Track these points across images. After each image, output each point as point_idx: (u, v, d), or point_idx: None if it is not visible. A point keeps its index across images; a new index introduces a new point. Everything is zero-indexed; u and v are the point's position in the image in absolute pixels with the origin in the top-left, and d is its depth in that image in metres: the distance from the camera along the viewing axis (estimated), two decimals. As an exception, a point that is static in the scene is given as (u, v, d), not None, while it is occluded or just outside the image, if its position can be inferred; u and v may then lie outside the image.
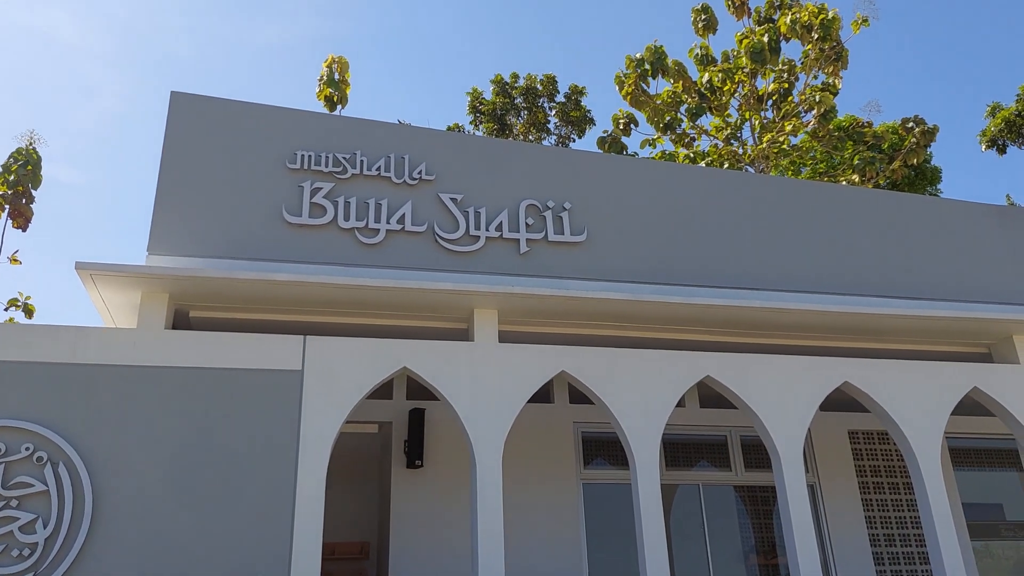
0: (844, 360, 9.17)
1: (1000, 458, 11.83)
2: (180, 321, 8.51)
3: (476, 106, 26.29)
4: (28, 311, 11.42)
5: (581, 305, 8.86)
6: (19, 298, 11.44)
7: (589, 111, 26.49)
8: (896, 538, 10.83)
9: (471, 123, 26.39)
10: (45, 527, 6.66)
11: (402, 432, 10.06)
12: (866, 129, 23.46)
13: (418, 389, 9.79)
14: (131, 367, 7.37)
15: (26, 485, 6.75)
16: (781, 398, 8.73)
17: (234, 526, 7.05)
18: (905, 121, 22.77)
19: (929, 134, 22.19)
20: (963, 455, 11.68)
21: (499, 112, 26.15)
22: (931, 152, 23.67)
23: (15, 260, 11.43)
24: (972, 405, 9.65)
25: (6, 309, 11.39)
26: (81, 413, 7.11)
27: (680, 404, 8.83)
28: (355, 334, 8.56)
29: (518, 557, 8.60)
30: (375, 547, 10.22)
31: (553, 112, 26.54)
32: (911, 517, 10.93)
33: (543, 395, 9.79)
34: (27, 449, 6.84)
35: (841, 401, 9.51)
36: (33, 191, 11.35)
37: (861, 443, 11.34)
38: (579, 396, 9.75)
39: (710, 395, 9.90)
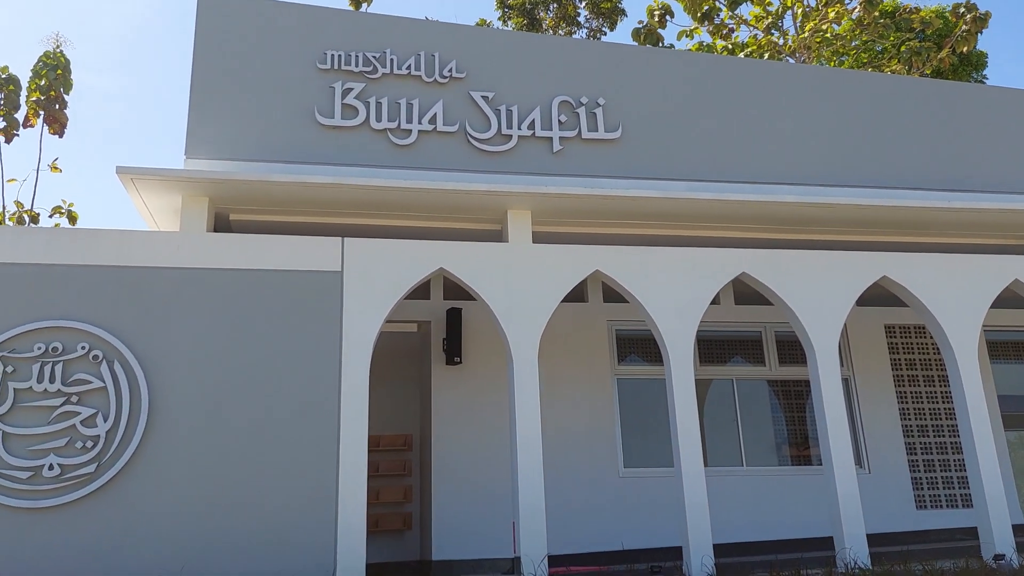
0: (882, 254, 9.08)
1: (1038, 351, 11.79)
2: (221, 224, 8.67)
3: (504, 0, 25.51)
4: (72, 218, 11.68)
5: (615, 204, 8.83)
6: (63, 205, 11.67)
7: (620, 1, 25.54)
8: (929, 429, 10.97)
9: (500, 19, 25.67)
10: (105, 421, 7.02)
11: (440, 331, 10.28)
12: (913, 15, 22.38)
13: (455, 289, 9.94)
14: (176, 269, 7.56)
15: (85, 382, 7.08)
16: (817, 294, 8.71)
17: (283, 420, 7.35)
18: (956, 7, 21.65)
19: (981, 21, 21.10)
20: (1000, 348, 11.65)
21: (528, 6, 25.36)
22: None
23: (55, 168, 11.62)
24: (1012, 298, 9.56)
25: (51, 216, 11.67)
26: (131, 314, 7.36)
27: (715, 302, 8.87)
28: (392, 236, 8.65)
29: (554, 449, 8.89)
30: (417, 439, 10.61)
31: (584, 4, 25.67)
32: (945, 409, 11.03)
33: (577, 294, 9.88)
34: (83, 348, 7.14)
35: (878, 295, 9.47)
36: (65, 95, 11.40)
37: (897, 337, 11.35)
38: (613, 295, 9.82)
39: (745, 292, 9.90)
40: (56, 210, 11.62)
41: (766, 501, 10.07)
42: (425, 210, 8.77)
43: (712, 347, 10.89)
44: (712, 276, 8.64)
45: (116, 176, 7.66)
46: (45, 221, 11.74)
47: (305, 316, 7.69)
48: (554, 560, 7.66)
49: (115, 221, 39.75)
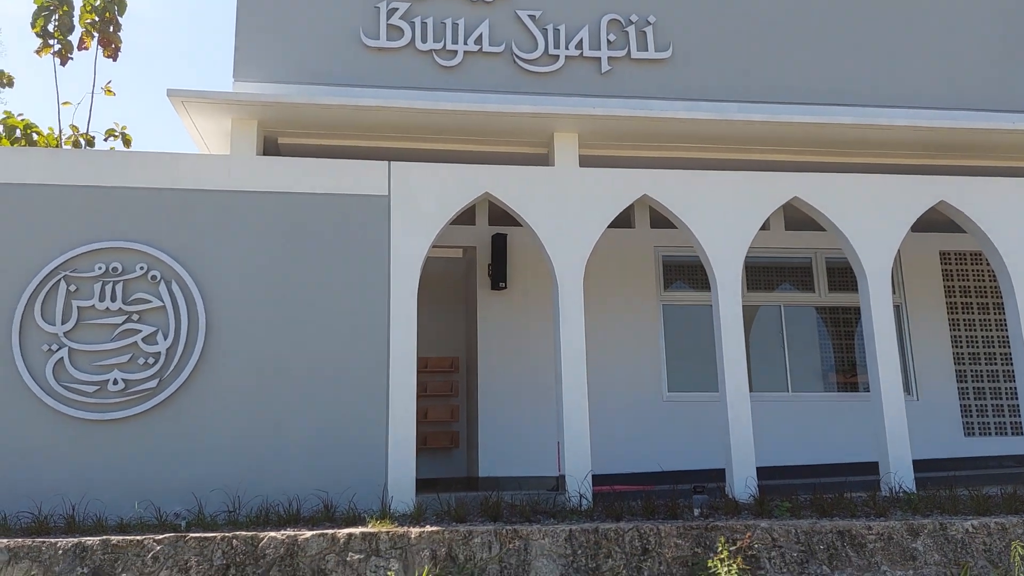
0: (940, 178, 8.80)
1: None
2: (270, 148, 8.75)
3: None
4: (126, 141, 11.84)
5: (664, 126, 8.67)
6: (116, 128, 11.84)
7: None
8: (981, 356, 10.79)
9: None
10: (165, 339, 7.28)
11: (486, 256, 10.34)
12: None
13: (500, 214, 9.94)
14: (227, 192, 7.68)
15: (144, 301, 7.32)
16: (872, 219, 8.52)
17: (334, 340, 7.54)
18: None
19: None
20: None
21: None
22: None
23: (109, 91, 11.75)
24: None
25: (105, 139, 11.84)
26: (185, 236, 7.54)
27: (764, 227, 8.74)
28: (437, 160, 8.64)
29: (599, 372, 8.96)
30: (464, 362, 10.81)
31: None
32: (998, 337, 10.81)
33: (624, 220, 9.81)
34: (141, 268, 7.36)
35: (934, 221, 9.23)
36: (119, 17, 11.45)
37: (952, 263, 11.09)
38: (660, 221, 9.73)
39: (796, 217, 9.73)
40: (110, 133, 11.79)
41: (810, 426, 10.09)
42: (470, 133, 8.72)
43: (760, 273, 10.78)
44: (763, 201, 8.49)
45: (167, 99, 7.73)
46: (100, 144, 11.93)
47: (353, 240, 7.79)
48: (597, 479, 7.83)
49: (167, 145, 40.28)
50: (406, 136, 8.77)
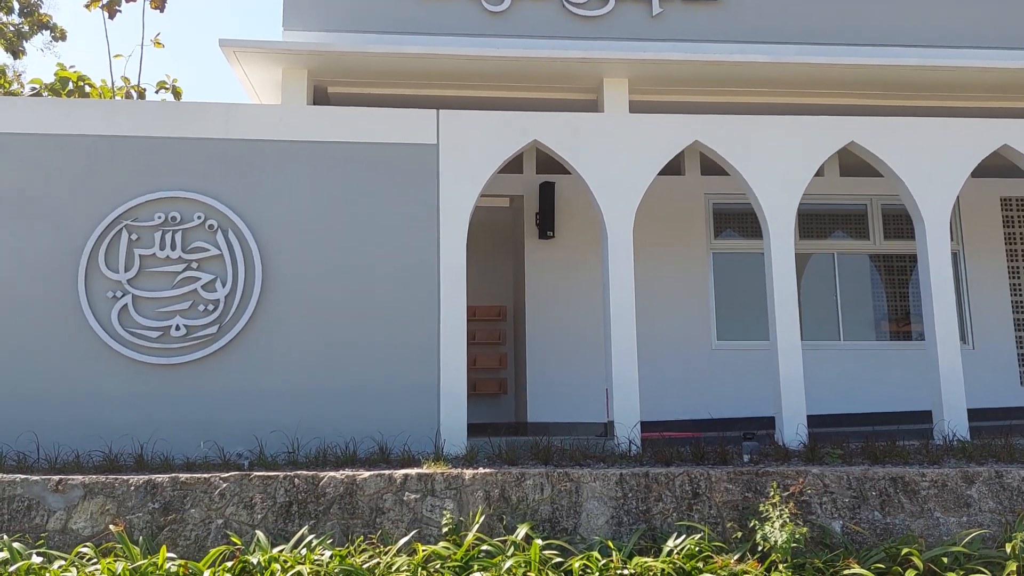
0: (1003, 121, 8.49)
1: None
2: (320, 98, 8.80)
3: None
4: (176, 93, 12.01)
5: (718, 70, 8.49)
6: (167, 80, 11.99)
7: None
8: (1041, 305, 10.55)
9: None
10: (224, 286, 7.46)
11: (533, 205, 10.33)
12: None
13: (547, 162, 9.89)
14: (279, 142, 7.76)
15: (202, 249, 7.50)
16: (931, 163, 8.28)
17: (386, 289, 7.65)
18: None
19: None
20: None
21: None
22: None
23: (158, 43, 11.88)
24: None
25: (156, 91, 12.03)
26: (239, 185, 7.66)
27: (818, 173, 8.56)
28: (486, 108, 8.60)
29: (648, 320, 8.95)
30: (511, 311, 10.89)
31: None
32: (1061, 285, 10.54)
33: (674, 167, 9.68)
34: (199, 217, 7.52)
35: (996, 166, 8.94)
36: (165, -31, 11.54)
37: (1014, 210, 10.76)
38: (711, 168, 9.58)
39: (851, 163, 9.50)
40: (161, 85, 11.96)
41: (862, 375, 10.00)
42: (519, 80, 8.65)
43: (813, 220, 10.60)
44: (818, 146, 8.30)
45: (220, 49, 7.80)
46: (151, 96, 12.13)
47: (403, 188, 7.84)
48: (646, 426, 7.89)
49: (214, 96, 40.66)
50: (454, 84, 8.74)
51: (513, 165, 9.54)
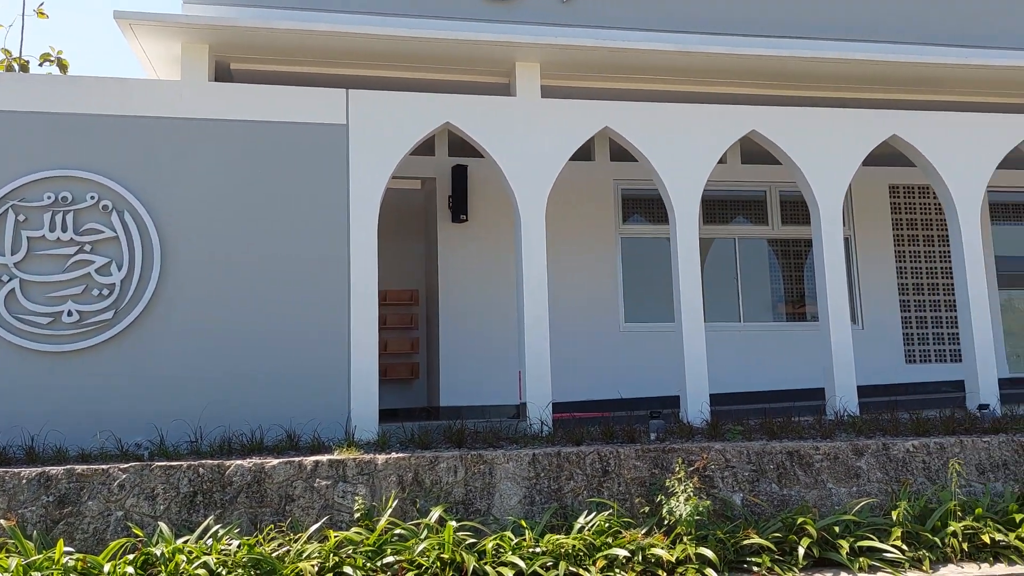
0: (892, 113, 8.97)
1: (1040, 213, 11.87)
2: (222, 74, 8.49)
3: None
4: (62, 66, 11.28)
5: (625, 57, 8.63)
6: (51, 52, 11.25)
7: None
8: (924, 287, 11.20)
9: None
10: (119, 270, 7.14)
11: (446, 188, 10.27)
12: None
13: (460, 145, 9.86)
14: (179, 119, 7.46)
15: (96, 231, 7.14)
16: (826, 152, 8.67)
17: (294, 272, 7.48)
18: None
19: None
20: (1002, 209, 11.72)
21: None
22: None
23: (41, 13, 11.15)
24: (1018, 158, 9.52)
25: (40, 64, 11.24)
26: (137, 164, 7.33)
27: (721, 160, 8.83)
28: (398, 89, 8.48)
29: (558, 304, 9.06)
30: (423, 295, 10.83)
31: None
32: (941, 268, 11.21)
33: (584, 152, 9.80)
34: (92, 198, 7.15)
35: (884, 155, 9.42)
36: (48, -66, 10.82)
37: (901, 197, 11.38)
38: (620, 154, 9.75)
39: (752, 151, 9.84)
40: (45, 57, 11.19)
41: (761, 355, 10.42)
42: (431, 61, 8.56)
43: (716, 206, 10.94)
44: (722, 133, 8.57)
45: (114, 21, 7.41)
46: (34, 69, 11.35)
47: (312, 169, 7.68)
48: (557, 407, 8.02)
49: (104, 71, 38.60)
50: (365, 63, 8.58)
51: (425, 147, 9.46)
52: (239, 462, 5.98)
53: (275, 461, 6.01)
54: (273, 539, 5.50)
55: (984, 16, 9.63)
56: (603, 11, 8.82)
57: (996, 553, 5.59)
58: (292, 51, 8.24)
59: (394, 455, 6.17)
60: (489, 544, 5.39)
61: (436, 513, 5.68)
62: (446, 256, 10.12)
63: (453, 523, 5.47)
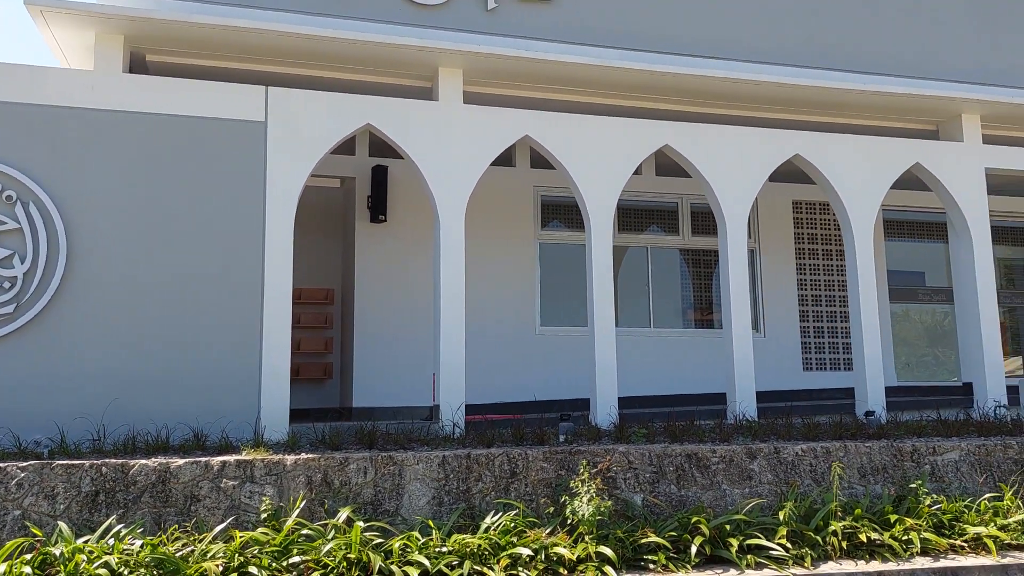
0: (796, 133, 9.46)
1: (929, 230, 12.64)
2: (137, 66, 8.31)
3: None
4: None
5: (546, 68, 8.83)
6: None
7: None
8: (822, 299, 11.81)
9: None
10: (22, 263, 6.94)
11: (365, 188, 10.30)
12: None
13: (380, 145, 9.90)
14: (91, 110, 7.30)
15: (-1, 223, 6.93)
16: (734, 168, 9.08)
17: (206, 269, 7.41)
18: None
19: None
20: (896, 226, 12.45)
21: None
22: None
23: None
24: (912, 179, 10.15)
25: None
26: (45, 154, 7.13)
27: (637, 172, 9.15)
28: (319, 88, 8.47)
29: (475, 307, 9.21)
30: (339, 294, 10.82)
31: None
32: (838, 281, 11.84)
33: (505, 159, 9.99)
34: (-4, 188, 6.94)
35: (789, 172, 9.91)
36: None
37: (803, 212, 11.98)
38: (540, 161, 9.97)
39: (666, 163, 10.19)
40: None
41: (670, 359, 10.81)
42: (354, 62, 8.58)
43: (631, 215, 11.29)
44: (637, 146, 8.88)
45: (25, 8, 7.19)
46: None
47: (228, 165, 7.62)
48: (471, 409, 8.16)
49: (16, 58, 36.85)
50: (286, 61, 8.53)
51: (346, 146, 9.46)
52: (144, 461, 5.91)
53: (181, 461, 5.96)
54: (177, 539, 5.47)
55: (884, 46, 10.20)
56: (527, 22, 9.00)
57: (872, 551, 6.00)
58: (211, 45, 8.14)
59: (304, 456, 6.20)
60: (396, 544, 5.49)
61: (344, 514, 5.74)
62: (363, 256, 10.15)
63: (361, 523, 5.54)
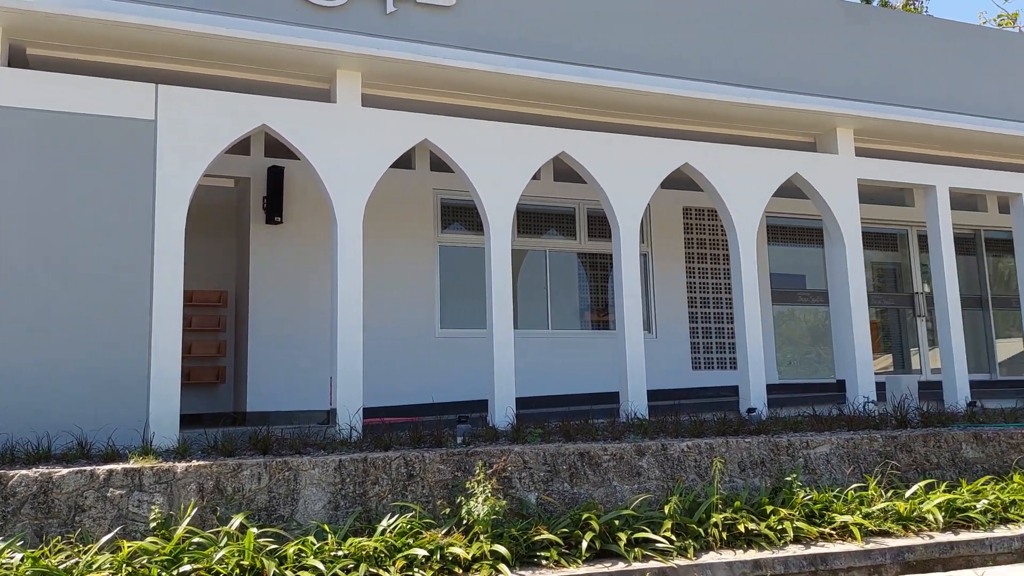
0: (685, 143, 9.89)
1: (809, 236, 13.41)
2: (16, 59, 7.94)
3: None
4: None
5: (445, 74, 8.92)
6: None
7: None
8: (710, 301, 12.37)
9: None
10: None
11: (260, 188, 10.14)
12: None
13: (277, 146, 9.77)
14: (-35, 105, 6.94)
15: None
16: (626, 175, 9.42)
17: (91, 271, 7.16)
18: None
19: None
20: (778, 232, 13.15)
21: None
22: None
23: None
24: (793, 188, 10.76)
25: None
26: (-88, 151, 6.74)
27: (535, 177, 9.37)
28: (215, 87, 8.30)
29: (374, 310, 9.21)
30: (232, 296, 10.60)
31: None
32: (725, 284, 12.42)
33: (404, 161, 10.01)
34: None
35: (680, 180, 10.34)
36: None
37: (693, 218, 12.50)
38: (440, 164, 10.05)
39: (563, 169, 10.46)
40: None
41: (567, 360, 11.09)
42: (249, 62, 8.44)
43: (530, 219, 11.52)
44: (535, 152, 9.09)
45: None
46: None
47: (116, 165, 7.40)
48: (369, 412, 8.17)
49: None
50: (178, 59, 8.30)
51: (240, 146, 9.30)
52: (24, 472, 5.69)
53: (64, 471, 5.76)
54: (61, 551, 5.30)
55: (767, 62, 10.74)
56: (426, 27, 9.05)
57: (750, 540, 6.37)
58: (97, 41, 7.85)
59: (195, 463, 6.09)
60: (291, 549, 5.48)
61: (237, 520, 5.69)
62: (258, 258, 10.00)
63: (254, 530, 5.51)
